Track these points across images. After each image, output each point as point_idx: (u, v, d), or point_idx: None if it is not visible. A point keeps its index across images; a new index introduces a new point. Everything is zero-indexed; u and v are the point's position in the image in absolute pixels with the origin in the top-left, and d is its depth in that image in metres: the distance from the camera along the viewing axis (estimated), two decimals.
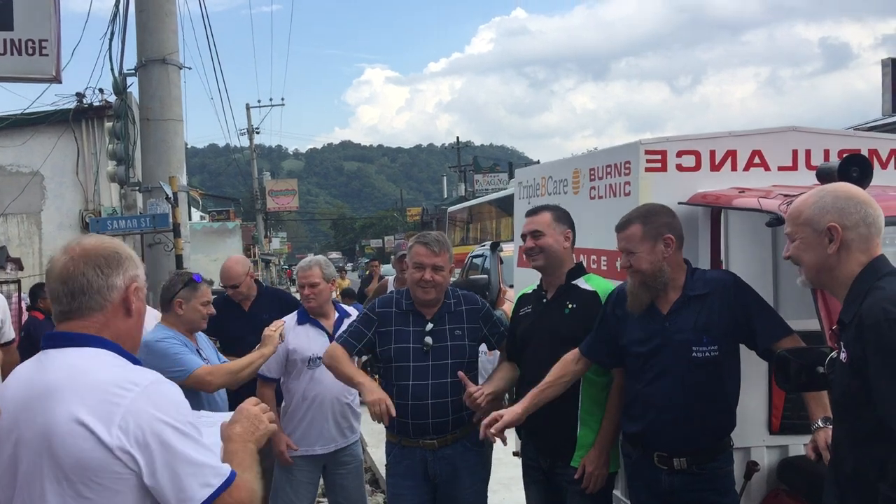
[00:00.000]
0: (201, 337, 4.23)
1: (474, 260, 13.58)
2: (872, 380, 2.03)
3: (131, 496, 1.78)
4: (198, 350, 4.04)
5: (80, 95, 13.57)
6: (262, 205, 45.93)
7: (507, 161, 61.98)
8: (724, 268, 3.65)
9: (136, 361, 1.96)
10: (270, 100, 48.86)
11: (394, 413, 3.45)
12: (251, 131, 44.04)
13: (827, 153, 3.73)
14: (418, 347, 3.66)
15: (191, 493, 1.79)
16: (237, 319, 5.19)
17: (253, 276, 5.39)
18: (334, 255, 74.44)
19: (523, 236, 3.71)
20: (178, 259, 7.88)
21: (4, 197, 13.71)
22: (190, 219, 27.80)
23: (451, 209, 30.17)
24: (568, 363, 3.43)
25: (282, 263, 55.05)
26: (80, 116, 13.80)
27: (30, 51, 6.55)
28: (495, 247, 12.22)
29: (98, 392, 1.78)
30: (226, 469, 1.87)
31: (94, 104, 13.62)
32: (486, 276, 11.67)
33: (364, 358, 4.47)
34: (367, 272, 16.02)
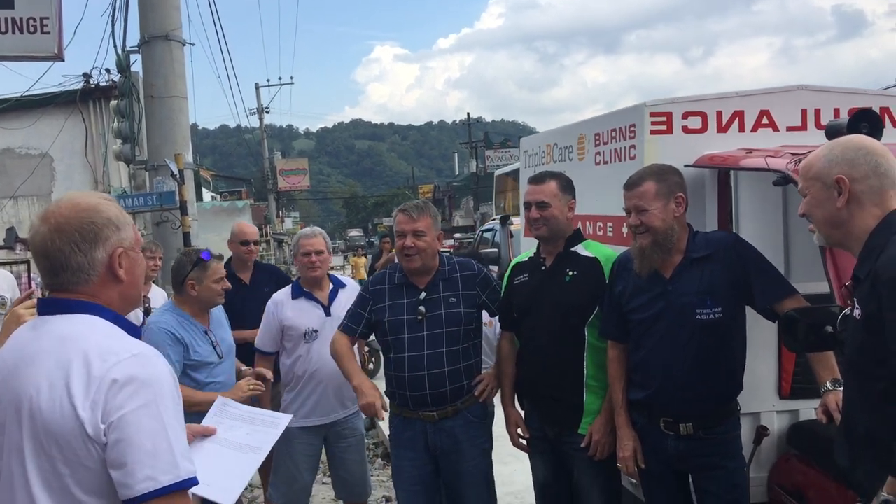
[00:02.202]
0: (216, 313, 4.20)
1: (484, 234, 13.54)
2: (888, 337, 1.96)
3: (106, 476, 1.68)
4: (206, 331, 4.00)
5: (86, 76, 13.50)
6: (273, 184, 45.95)
7: (518, 136, 61.41)
8: (734, 230, 3.60)
9: (131, 329, 1.89)
10: (279, 79, 48.74)
11: (382, 416, 3.64)
12: (261, 111, 43.95)
13: (837, 112, 3.65)
14: (412, 318, 3.63)
15: (131, 480, 1.64)
16: (238, 293, 5.19)
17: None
18: (354, 232, 73.95)
19: (527, 204, 3.62)
20: (186, 236, 7.86)
21: (14, 179, 13.76)
22: (201, 199, 27.93)
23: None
24: (611, 359, 3.40)
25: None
26: (87, 97, 13.79)
27: (31, 29, 6.51)
28: (505, 220, 12.16)
29: (80, 361, 1.71)
30: (186, 471, 1.69)
31: (101, 84, 13.57)
32: (496, 249, 11.65)
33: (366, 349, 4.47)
34: (379, 249, 16.04)
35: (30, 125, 13.36)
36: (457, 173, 69.74)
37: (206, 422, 2.46)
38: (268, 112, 44.73)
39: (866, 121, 2.91)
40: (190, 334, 3.92)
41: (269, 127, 54.72)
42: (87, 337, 1.77)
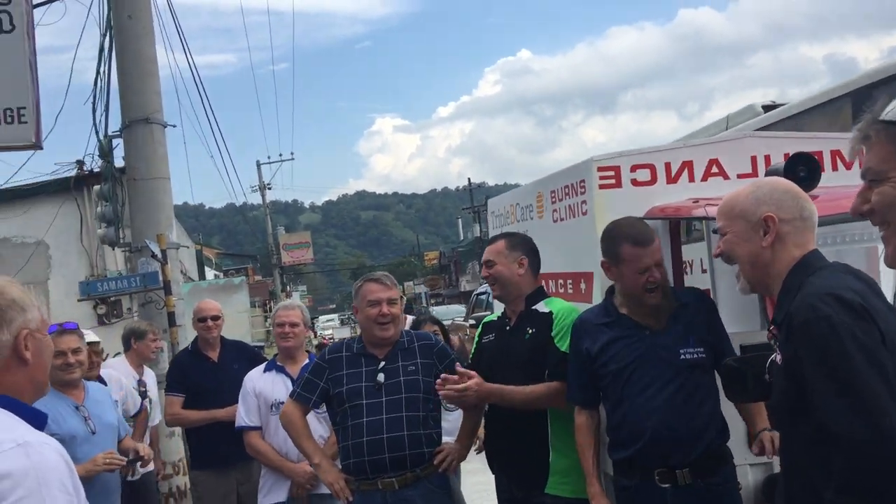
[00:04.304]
0: (94, 391, 4.12)
1: (479, 297, 13.50)
2: (807, 382, 1.91)
3: None
4: (77, 406, 3.92)
5: (79, 163, 13.67)
6: (277, 259, 46.17)
7: None
8: (711, 282, 3.59)
9: (33, 416, 1.82)
10: (280, 155, 49.30)
11: (350, 497, 3.54)
12: (263, 188, 44.45)
13: (787, 157, 3.63)
14: (370, 385, 3.59)
15: None
16: (206, 372, 5.15)
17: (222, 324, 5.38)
18: None
19: (481, 266, 3.69)
20: (171, 316, 7.82)
21: (10, 268, 13.76)
22: (204, 278, 27.99)
23: None
24: (579, 426, 3.28)
25: None
26: (81, 183, 13.92)
27: (8, 119, 6.60)
28: None
29: None
30: None
31: (95, 170, 13.71)
32: (488, 312, 11.61)
33: None
34: None
35: (23, 213, 13.48)
36: (461, 239, 70.07)
37: None
38: (270, 188, 45.25)
39: (804, 164, 2.91)
40: (53, 408, 3.77)
41: (275, 203, 55.31)
42: None
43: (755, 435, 2.92)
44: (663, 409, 3.05)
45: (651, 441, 3.07)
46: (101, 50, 8.26)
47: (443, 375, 3.48)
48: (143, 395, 5.80)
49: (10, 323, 1.81)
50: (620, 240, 3.13)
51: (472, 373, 3.44)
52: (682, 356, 3.07)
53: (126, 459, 3.99)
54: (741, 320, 3.64)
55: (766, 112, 7.13)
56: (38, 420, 1.84)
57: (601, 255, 3.25)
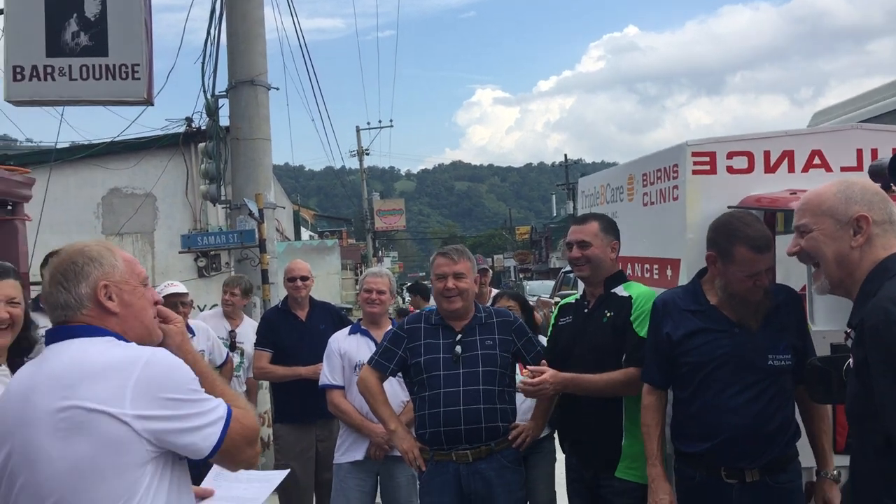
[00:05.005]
0: None
1: (567, 275, 13.41)
2: (874, 386, 1.85)
3: (147, 469, 1.87)
4: None
5: (188, 120, 14.14)
6: (371, 224, 46.91)
7: None
8: (808, 278, 3.49)
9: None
10: (379, 122, 49.79)
11: (423, 466, 3.63)
12: (361, 153, 45.06)
13: (894, 152, 3.47)
14: (448, 357, 3.64)
15: (196, 449, 1.92)
16: (294, 330, 5.31)
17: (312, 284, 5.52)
18: None
19: (569, 245, 3.64)
20: (264, 273, 8.11)
21: (120, 217, 14.52)
22: (299, 238, 28.75)
23: None
24: (646, 406, 3.23)
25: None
26: (189, 140, 14.46)
27: (123, 75, 6.92)
28: None
29: (102, 376, 1.84)
30: (219, 414, 1.95)
31: (202, 128, 14.19)
32: (574, 291, 11.51)
33: None
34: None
35: (135, 165, 14.11)
36: (554, 215, 69.49)
37: (205, 485, 2.56)
38: (368, 154, 45.80)
39: None
40: None
41: (372, 168, 56.05)
42: (101, 353, 1.91)
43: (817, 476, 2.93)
44: (742, 413, 2.98)
45: (724, 443, 3.02)
46: (212, 12, 8.55)
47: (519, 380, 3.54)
48: (233, 346, 6.02)
49: (88, 276, 2.01)
50: (738, 240, 2.96)
51: (546, 367, 3.45)
52: (770, 361, 2.99)
53: None
54: (834, 319, 3.50)
55: None
56: None
57: (707, 245, 3.10)
